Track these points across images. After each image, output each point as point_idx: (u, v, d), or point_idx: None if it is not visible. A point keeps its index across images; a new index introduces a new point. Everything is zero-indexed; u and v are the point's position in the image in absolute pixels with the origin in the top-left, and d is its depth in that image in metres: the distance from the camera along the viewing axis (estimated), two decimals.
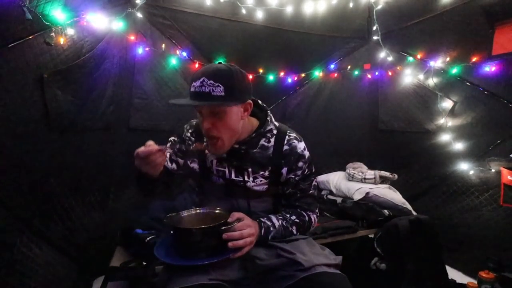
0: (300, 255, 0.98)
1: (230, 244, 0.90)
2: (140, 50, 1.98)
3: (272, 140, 1.10)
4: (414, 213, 2.05)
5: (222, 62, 1.01)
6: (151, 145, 0.92)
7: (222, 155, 1.09)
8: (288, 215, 1.11)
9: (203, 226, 0.93)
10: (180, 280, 0.89)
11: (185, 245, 0.95)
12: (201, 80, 0.93)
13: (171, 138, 1.22)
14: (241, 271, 0.98)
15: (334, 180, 2.37)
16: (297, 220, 1.10)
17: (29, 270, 1.25)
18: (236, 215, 0.98)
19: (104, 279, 1.39)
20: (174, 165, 1.18)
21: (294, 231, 1.09)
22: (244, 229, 0.94)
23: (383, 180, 2.20)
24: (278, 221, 1.07)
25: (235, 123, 1.00)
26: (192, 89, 0.95)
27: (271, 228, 1.04)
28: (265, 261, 0.98)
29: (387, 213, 1.98)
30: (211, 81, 0.92)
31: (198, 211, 1.07)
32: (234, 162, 1.10)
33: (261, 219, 1.05)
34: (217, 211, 1.06)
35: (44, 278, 1.33)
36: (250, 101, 1.03)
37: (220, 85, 0.92)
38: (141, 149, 0.91)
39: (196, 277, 0.89)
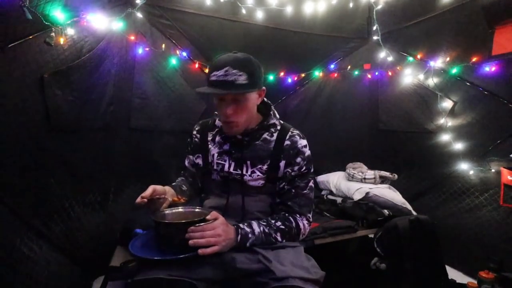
0: (276, 264, 0.96)
1: (191, 242, 0.89)
2: (140, 50, 1.98)
3: (275, 135, 1.13)
4: (414, 213, 2.05)
5: (237, 52, 1.05)
6: (143, 196, 0.97)
7: (224, 147, 1.14)
8: (273, 221, 1.07)
9: (166, 221, 0.98)
10: (142, 273, 0.91)
11: (155, 240, 0.99)
12: (225, 69, 0.98)
13: (188, 140, 1.29)
14: (218, 271, 0.96)
15: (334, 180, 2.37)
16: (282, 227, 1.06)
17: (29, 270, 1.25)
18: (214, 215, 0.97)
19: (104, 279, 1.39)
20: (194, 169, 1.28)
21: (279, 238, 1.05)
22: (208, 230, 0.92)
23: (383, 180, 2.20)
24: (260, 227, 1.03)
25: (252, 107, 1.09)
26: (214, 77, 0.99)
27: (250, 235, 1.00)
28: (244, 265, 0.96)
29: (387, 213, 1.98)
30: (236, 70, 0.98)
31: (180, 209, 1.07)
32: (234, 154, 1.12)
33: (240, 224, 1.02)
34: (197, 209, 1.07)
35: (44, 278, 1.33)
36: (263, 88, 1.11)
37: (244, 74, 0.98)
38: (138, 200, 0.98)
39: (156, 271, 0.90)
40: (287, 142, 1.11)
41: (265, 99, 1.18)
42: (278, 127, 1.15)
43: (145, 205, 0.99)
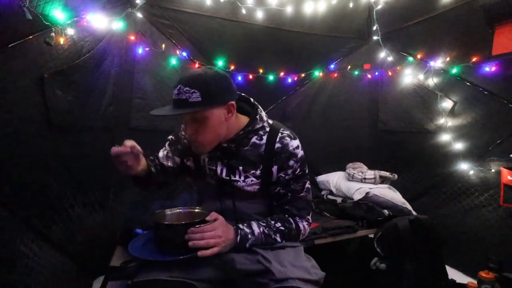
0: (276, 264, 0.95)
1: (190, 243, 0.89)
2: (140, 50, 1.98)
3: (265, 138, 1.07)
4: (414, 213, 2.05)
5: (207, 67, 1.01)
6: (125, 146, 0.96)
7: (215, 153, 1.10)
8: (273, 222, 1.06)
9: (166, 223, 0.98)
10: (142, 274, 0.91)
11: (155, 241, 0.99)
12: (178, 87, 0.94)
13: (169, 137, 1.24)
14: (218, 272, 0.96)
15: (334, 180, 2.37)
16: (282, 228, 1.05)
17: (29, 270, 1.25)
18: (214, 215, 0.96)
19: (104, 279, 1.39)
20: (170, 163, 1.20)
21: (279, 239, 1.04)
22: (208, 231, 0.91)
23: (383, 180, 2.20)
24: (259, 228, 1.02)
25: (218, 126, 1.00)
26: (173, 96, 0.97)
27: (249, 236, 0.99)
28: (244, 265, 0.96)
29: (387, 213, 1.98)
30: (187, 88, 0.93)
31: (179, 210, 1.07)
32: (225, 161, 1.09)
33: (239, 225, 1.01)
34: (196, 210, 1.07)
35: (44, 278, 1.33)
36: (232, 102, 1.01)
37: (196, 91, 0.92)
38: (113, 148, 0.96)
39: (156, 272, 0.90)
40: (277, 145, 1.06)
41: (252, 100, 1.13)
42: (267, 129, 1.09)
43: (119, 157, 0.97)
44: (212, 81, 0.95)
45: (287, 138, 1.07)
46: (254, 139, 1.07)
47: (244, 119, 1.10)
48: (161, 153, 1.23)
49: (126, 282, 0.92)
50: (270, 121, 1.13)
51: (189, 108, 0.93)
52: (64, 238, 1.55)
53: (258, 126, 1.08)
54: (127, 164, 0.99)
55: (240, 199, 1.10)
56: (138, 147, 0.99)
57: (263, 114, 1.12)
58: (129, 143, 0.96)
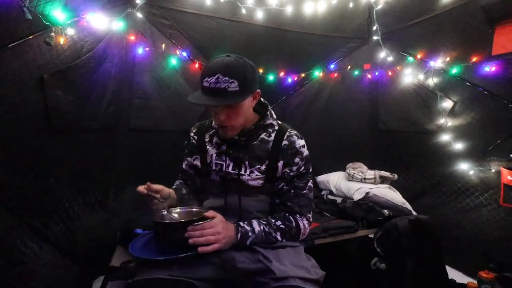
0: (276, 263, 0.96)
1: (190, 240, 0.90)
2: (140, 50, 1.98)
3: (273, 135, 1.13)
4: (414, 213, 2.05)
5: (230, 55, 1.01)
6: (149, 188, 1.00)
7: (222, 148, 1.14)
8: (273, 220, 1.07)
9: (165, 222, 0.99)
10: (142, 273, 0.92)
11: (155, 240, 1.00)
12: (216, 76, 0.95)
13: (185, 143, 1.28)
14: (218, 270, 0.97)
15: (334, 180, 2.37)
16: (282, 226, 1.07)
17: (29, 270, 1.25)
18: (212, 213, 0.97)
19: (104, 279, 1.39)
20: (192, 170, 1.26)
21: (279, 237, 1.05)
22: (207, 228, 0.92)
23: (383, 180, 2.20)
24: (260, 226, 1.04)
25: (246, 111, 1.08)
26: (206, 84, 0.97)
27: (250, 234, 1.01)
28: (244, 264, 0.97)
29: (387, 213, 1.98)
30: (226, 78, 0.95)
31: (177, 209, 1.08)
32: (233, 154, 1.12)
33: (240, 223, 1.03)
34: (194, 209, 1.08)
35: (44, 278, 1.33)
36: (258, 90, 1.09)
37: (235, 81, 0.96)
38: (141, 187, 1.01)
39: (157, 271, 0.91)
40: (285, 142, 1.11)
41: (262, 99, 1.17)
42: (276, 127, 1.15)
43: (143, 196, 1.00)
44: (248, 71, 1.00)
45: (294, 136, 1.12)
46: (263, 135, 1.13)
47: (255, 116, 1.15)
48: (184, 165, 1.28)
49: (126, 281, 0.92)
50: (279, 121, 1.18)
51: (230, 98, 0.96)
52: (64, 238, 1.55)
53: (268, 122, 1.13)
54: (149, 204, 1.03)
55: (245, 195, 1.12)
56: (165, 192, 1.04)
57: (273, 112, 1.18)
58: (155, 186, 1.01)
